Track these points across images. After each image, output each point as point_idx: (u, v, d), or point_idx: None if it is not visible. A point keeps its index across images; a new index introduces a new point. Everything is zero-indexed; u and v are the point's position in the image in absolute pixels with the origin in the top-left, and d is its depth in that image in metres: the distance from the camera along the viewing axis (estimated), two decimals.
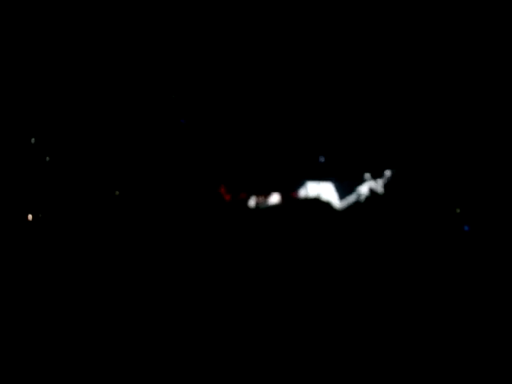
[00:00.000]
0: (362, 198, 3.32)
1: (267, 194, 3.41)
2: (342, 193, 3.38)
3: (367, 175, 3.32)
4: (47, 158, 3.30)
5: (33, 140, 3.30)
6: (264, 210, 3.37)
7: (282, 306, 2.82)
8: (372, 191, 3.30)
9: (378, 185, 3.31)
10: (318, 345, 2.53)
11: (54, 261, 3.08)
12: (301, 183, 3.42)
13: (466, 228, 3.13)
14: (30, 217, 3.24)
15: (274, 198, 3.41)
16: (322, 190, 3.41)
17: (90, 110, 3.36)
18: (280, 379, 2.33)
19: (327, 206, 3.36)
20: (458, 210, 3.01)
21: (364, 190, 3.34)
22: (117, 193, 3.32)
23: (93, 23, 3.31)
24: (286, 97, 3.41)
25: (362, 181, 3.35)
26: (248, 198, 3.42)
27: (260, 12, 3.31)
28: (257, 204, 3.39)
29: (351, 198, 3.36)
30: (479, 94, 3.23)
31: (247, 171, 3.44)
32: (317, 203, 3.37)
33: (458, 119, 3.26)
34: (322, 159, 3.40)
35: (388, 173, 3.32)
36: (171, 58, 3.39)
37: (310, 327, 2.66)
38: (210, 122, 3.43)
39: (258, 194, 3.41)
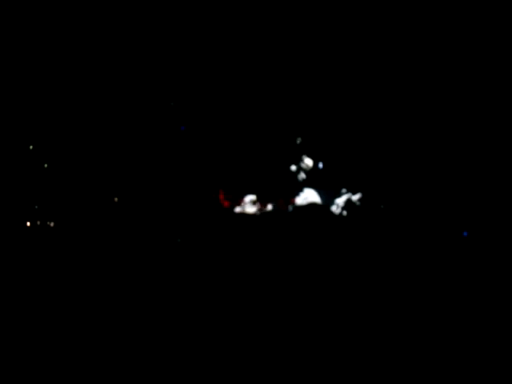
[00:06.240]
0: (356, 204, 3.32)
1: (266, 200, 3.41)
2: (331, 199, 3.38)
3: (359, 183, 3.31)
4: (45, 165, 3.29)
5: (31, 147, 3.29)
6: (263, 216, 3.37)
7: (283, 308, 2.82)
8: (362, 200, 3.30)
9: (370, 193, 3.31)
10: (315, 348, 2.53)
11: (53, 266, 3.07)
12: (299, 189, 3.42)
13: (465, 234, 3.14)
14: (28, 224, 3.24)
15: (271, 205, 3.40)
16: (316, 197, 3.41)
17: (89, 118, 3.35)
18: (280, 379, 2.33)
19: (326, 211, 3.36)
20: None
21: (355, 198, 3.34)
22: (115, 199, 3.31)
23: (92, 32, 3.30)
24: (285, 104, 3.41)
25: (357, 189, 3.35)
26: (246, 204, 3.42)
27: (258, 22, 3.32)
28: (256, 210, 3.39)
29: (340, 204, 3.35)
30: (477, 106, 3.24)
31: (246, 177, 3.44)
32: (316, 208, 3.37)
33: (455, 124, 3.27)
34: (320, 165, 3.40)
35: (387, 177, 3.32)
36: (170, 66, 3.39)
37: (309, 329, 2.66)
38: (210, 128, 3.43)
39: (256, 200, 3.41)
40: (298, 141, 3.42)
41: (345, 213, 3.34)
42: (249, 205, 3.41)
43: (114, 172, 3.33)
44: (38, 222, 3.24)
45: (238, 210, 3.40)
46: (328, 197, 3.36)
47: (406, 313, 2.80)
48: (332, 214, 3.35)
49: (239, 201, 3.41)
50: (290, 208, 3.39)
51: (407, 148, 3.31)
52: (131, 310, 2.82)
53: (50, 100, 3.32)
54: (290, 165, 3.43)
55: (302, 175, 3.42)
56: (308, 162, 3.43)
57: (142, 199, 3.34)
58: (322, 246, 3.23)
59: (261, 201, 3.41)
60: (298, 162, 3.43)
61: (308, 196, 3.40)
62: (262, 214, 3.38)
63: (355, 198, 3.34)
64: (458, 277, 3.00)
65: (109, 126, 3.35)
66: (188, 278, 3.07)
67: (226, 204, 3.40)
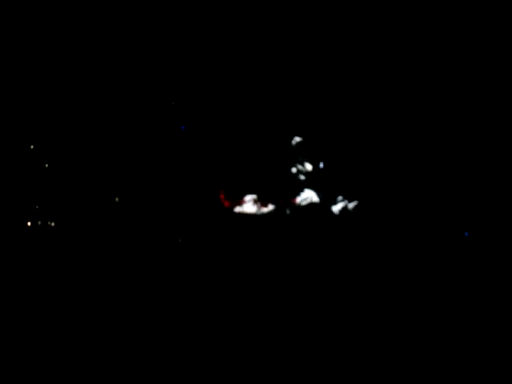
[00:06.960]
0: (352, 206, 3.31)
1: (266, 200, 3.41)
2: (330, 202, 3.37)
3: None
4: (46, 165, 3.29)
5: (32, 147, 3.29)
6: (263, 216, 3.37)
7: (283, 308, 2.82)
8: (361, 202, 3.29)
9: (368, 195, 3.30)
10: (315, 348, 2.52)
11: (53, 265, 3.07)
12: (300, 190, 3.42)
13: (466, 234, 3.13)
14: (28, 224, 3.24)
15: (271, 205, 3.40)
16: (316, 197, 3.40)
17: (89, 117, 3.35)
18: (280, 379, 2.32)
19: (326, 211, 3.35)
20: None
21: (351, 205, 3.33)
22: (116, 199, 3.32)
23: (93, 31, 3.30)
24: (286, 103, 3.41)
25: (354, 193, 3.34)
26: (247, 203, 3.41)
27: (257, 22, 3.31)
28: (257, 210, 3.39)
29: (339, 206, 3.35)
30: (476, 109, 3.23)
31: (246, 177, 3.44)
32: (316, 209, 3.36)
33: (455, 122, 3.26)
34: (321, 165, 3.40)
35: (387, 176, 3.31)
36: (170, 65, 3.39)
37: (309, 329, 2.65)
38: (210, 128, 3.43)
39: (257, 200, 3.41)
40: (299, 140, 3.42)
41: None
42: (249, 205, 3.40)
43: (114, 172, 3.33)
44: (39, 222, 3.24)
45: (238, 209, 3.40)
46: (327, 198, 3.36)
47: (408, 313, 2.79)
48: (333, 214, 3.34)
49: (240, 201, 3.40)
50: (291, 208, 3.38)
51: (408, 149, 3.30)
52: (132, 310, 2.82)
53: (50, 100, 3.32)
54: (291, 165, 3.42)
55: (303, 175, 3.42)
56: (308, 162, 3.42)
57: (142, 199, 3.34)
58: (323, 247, 3.23)
59: (261, 201, 3.40)
60: (299, 162, 3.42)
61: (308, 196, 3.40)
62: (262, 214, 3.38)
63: (351, 205, 3.34)
64: (459, 278, 2.99)
65: (109, 126, 3.35)
66: (189, 277, 3.07)
67: (227, 204, 3.40)
